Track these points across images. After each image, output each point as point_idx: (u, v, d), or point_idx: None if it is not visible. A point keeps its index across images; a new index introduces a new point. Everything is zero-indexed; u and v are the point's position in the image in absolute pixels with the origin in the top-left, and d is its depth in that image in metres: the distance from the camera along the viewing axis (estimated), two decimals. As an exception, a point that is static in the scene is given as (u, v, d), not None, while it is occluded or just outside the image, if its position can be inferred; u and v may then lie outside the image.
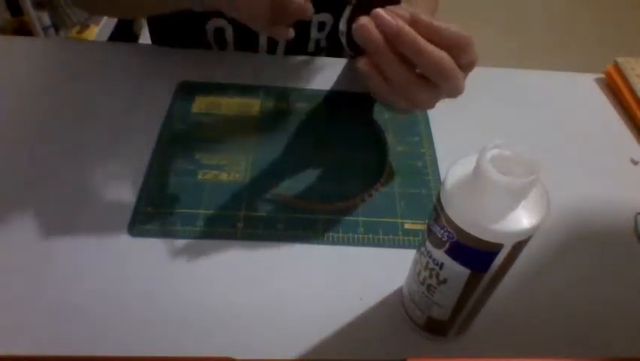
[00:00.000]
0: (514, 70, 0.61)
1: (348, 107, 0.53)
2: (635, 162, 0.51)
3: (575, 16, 2.27)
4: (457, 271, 0.30)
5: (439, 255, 0.30)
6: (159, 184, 0.45)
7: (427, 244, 0.31)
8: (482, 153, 0.26)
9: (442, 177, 0.47)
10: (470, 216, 0.27)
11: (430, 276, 0.32)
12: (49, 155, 0.46)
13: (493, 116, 0.55)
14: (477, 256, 0.28)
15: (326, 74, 0.57)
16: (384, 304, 0.39)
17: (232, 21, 0.59)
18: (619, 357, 0.37)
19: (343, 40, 0.39)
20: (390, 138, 0.50)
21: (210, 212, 0.43)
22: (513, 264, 0.30)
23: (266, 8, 0.42)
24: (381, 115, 0.53)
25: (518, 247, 0.28)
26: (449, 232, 0.28)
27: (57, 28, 1.54)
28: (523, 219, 0.27)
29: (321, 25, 0.62)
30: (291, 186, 0.45)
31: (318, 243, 0.42)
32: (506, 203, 0.27)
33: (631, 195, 0.48)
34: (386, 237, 0.42)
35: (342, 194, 0.45)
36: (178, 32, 0.62)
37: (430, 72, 0.35)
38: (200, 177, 0.46)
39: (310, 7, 0.43)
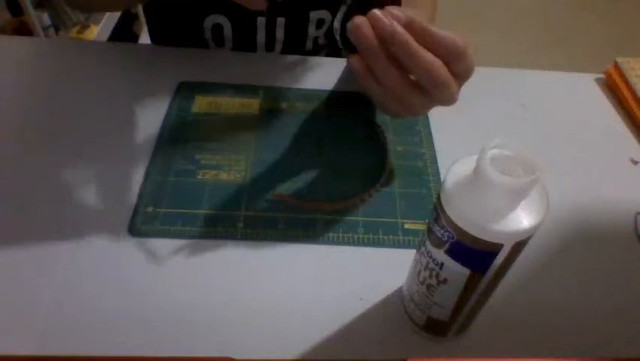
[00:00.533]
0: (514, 70, 0.61)
1: (348, 107, 0.53)
2: (635, 162, 0.51)
3: (575, 16, 2.27)
4: (457, 271, 0.30)
5: (439, 255, 0.30)
6: (159, 184, 0.45)
7: (427, 244, 0.31)
8: (482, 153, 0.26)
9: (442, 177, 0.47)
10: (470, 216, 0.27)
11: (430, 276, 0.32)
12: (49, 155, 0.46)
13: (493, 116, 0.55)
14: (477, 256, 0.28)
15: (326, 74, 0.57)
16: (384, 304, 0.39)
17: (230, 17, 0.59)
18: (619, 357, 0.37)
19: (337, 37, 0.39)
20: (390, 138, 0.50)
21: (210, 212, 0.43)
22: (513, 264, 0.30)
23: None
24: (382, 115, 0.53)
25: (518, 247, 0.28)
26: (449, 231, 0.28)
27: (57, 28, 1.54)
28: (523, 219, 0.27)
29: (320, 23, 0.62)
30: (291, 186, 0.45)
31: (318, 243, 0.42)
32: (506, 203, 0.27)
33: (631, 195, 0.48)
34: (386, 237, 0.42)
35: (342, 194, 0.45)
36: (176, 29, 0.62)
37: (421, 77, 0.35)
38: (200, 177, 0.46)
39: None
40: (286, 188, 0.45)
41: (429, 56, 0.34)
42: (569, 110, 0.57)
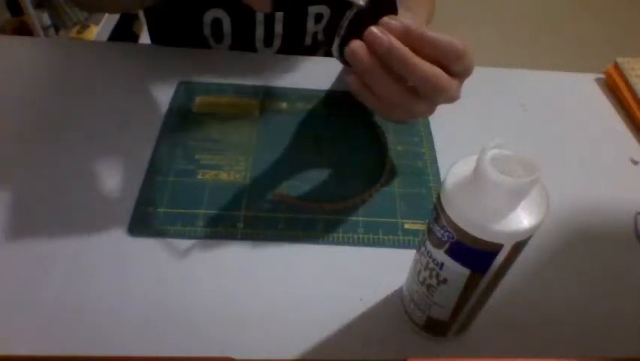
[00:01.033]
0: (514, 70, 0.61)
1: (348, 107, 0.53)
2: (635, 162, 0.51)
3: (574, 16, 2.27)
4: (457, 271, 0.30)
5: (439, 255, 0.30)
6: (159, 184, 0.45)
7: (427, 244, 0.31)
8: (482, 153, 0.26)
9: (442, 177, 0.47)
10: (470, 216, 0.27)
11: (430, 276, 0.32)
12: (48, 155, 0.46)
13: (493, 116, 0.55)
14: (477, 256, 0.28)
15: (326, 74, 0.57)
16: (384, 304, 0.39)
17: (230, 11, 0.60)
18: (619, 357, 0.37)
19: (336, 54, 0.39)
20: (390, 138, 0.50)
21: (210, 212, 0.43)
22: (513, 264, 0.30)
23: None
24: (381, 115, 0.53)
25: (518, 247, 0.28)
26: (449, 231, 0.28)
27: (57, 28, 1.54)
28: (523, 219, 0.27)
29: (318, 17, 0.62)
30: (291, 186, 0.45)
31: (318, 243, 0.42)
32: (506, 203, 0.27)
33: (631, 195, 0.48)
34: (386, 237, 0.42)
35: (342, 194, 0.45)
36: (175, 25, 0.63)
37: (422, 88, 0.36)
38: (200, 177, 0.46)
39: None
40: (286, 188, 0.45)
41: (426, 66, 0.34)
42: (569, 110, 0.57)
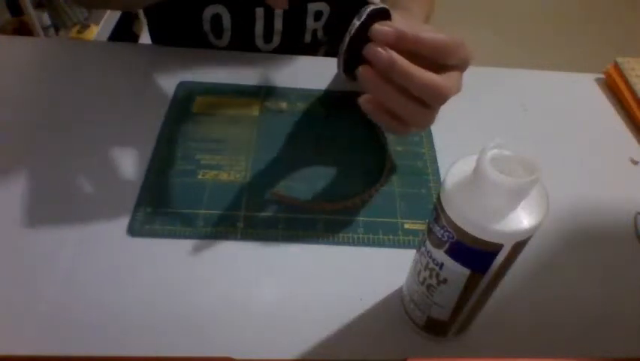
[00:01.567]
0: (514, 70, 0.61)
1: (348, 107, 0.53)
2: (635, 162, 0.51)
3: (575, 16, 2.27)
4: (457, 271, 0.30)
5: (439, 255, 0.30)
6: (159, 184, 0.45)
7: (427, 244, 0.31)
8: (482, 153, 0.26)
9: (442, 177, 0.47)
10: (470, 216, 0.27)
11: (430, 276, 0.32)
12: (48, 155, 0.46)
13: (493, 116, 0.55)
14: (477, 256, 0.28)
15: (326, 74, 0.57)
16: (384, 304, 0.39)
17: (229, 7, 0.60)
18: (619, 357, 0.37)
19: (340, 71, 0.41)
20: (390, 138, 0.50)
21: (210, 212, 0.43)
22: (513, 264, 0.30)
23: None
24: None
25: (518, 247, 0.28)
26: (449, 231, 0.28)
27: (57, 28, 1.54)
28: (523, 219, 0.27)
29: (318, 15, 0.63)
30: (291, 186, 0.45)
31: (318, 243, 0.42)
32: (506, 203, 0.27)
33: (631, 195, 0.48)
34: (386, 237, 0.42)
35: (342, 194, 0.45)
36: (175, 20, 0.63)
37: (425, 97, 0.37)
38: (200, 177, 0.46)
39: None
40: (286, 188, 0.45)
41: (428, 77, 0.36)
42: (569, 110, 0.57)
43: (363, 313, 0.38)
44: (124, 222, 0.42)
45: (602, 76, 0.61)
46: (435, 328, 0.36)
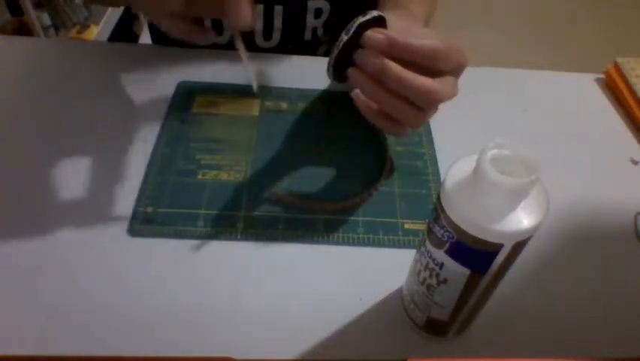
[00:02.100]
0: (514, 70, 0.61)
1: (349, 107, 0.53)
2: (635, 162, 0.51)
3: (574, 15, 2.27)
4: (457, 271, 0.30)
5: (439, 255, 0.30)
6: (159, 184, 0.45)
7: (427, 244, 0.31)
8: (482, 153, 0.26)
9: (442, 177, 0.47)
10: (470, 216, 0.27)
11: (430, 276, 0.32)
12: (48, 155, 0.46)
13: (493, 116, 0.55)
14: (477, 256, 0.28)
15: (326, 73, 0.57)
16: (384, 304, 0.39)
17: None
18: (619, 357, 0.37)
19: (329, 75, 0.42)
20: (390, 138, 0.50)
21: (210, 212, 0.43)
22: (513, 264, 0.30)
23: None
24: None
25: (518, 247, 0.28)
26: (449, 231, 0.28)
27: (57, 28, 1.54)
28: (523, 219, 0.27)
29: (318, 12, 0.62)
30: (291, 186, 0.45)
31: (318, 243, 0.42)
32: (506, 203, 0.27)
33: (631, 195, 0.48)
34: (386, 237, 0.42)
35: (342, 194, 0.45)
36: None
37: (418, 101, 0.37)
38: (200, 177, 0.46)
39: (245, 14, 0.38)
40: (286, 188, 0.45)
41: (418, 80, 0.36)
42: (569, 110, 0.57)
43: (363, 313, 0.38)
44: (124, 222, 0.42)
45: (602, 76, 0.61)
46: (435, 328, 0.36)
